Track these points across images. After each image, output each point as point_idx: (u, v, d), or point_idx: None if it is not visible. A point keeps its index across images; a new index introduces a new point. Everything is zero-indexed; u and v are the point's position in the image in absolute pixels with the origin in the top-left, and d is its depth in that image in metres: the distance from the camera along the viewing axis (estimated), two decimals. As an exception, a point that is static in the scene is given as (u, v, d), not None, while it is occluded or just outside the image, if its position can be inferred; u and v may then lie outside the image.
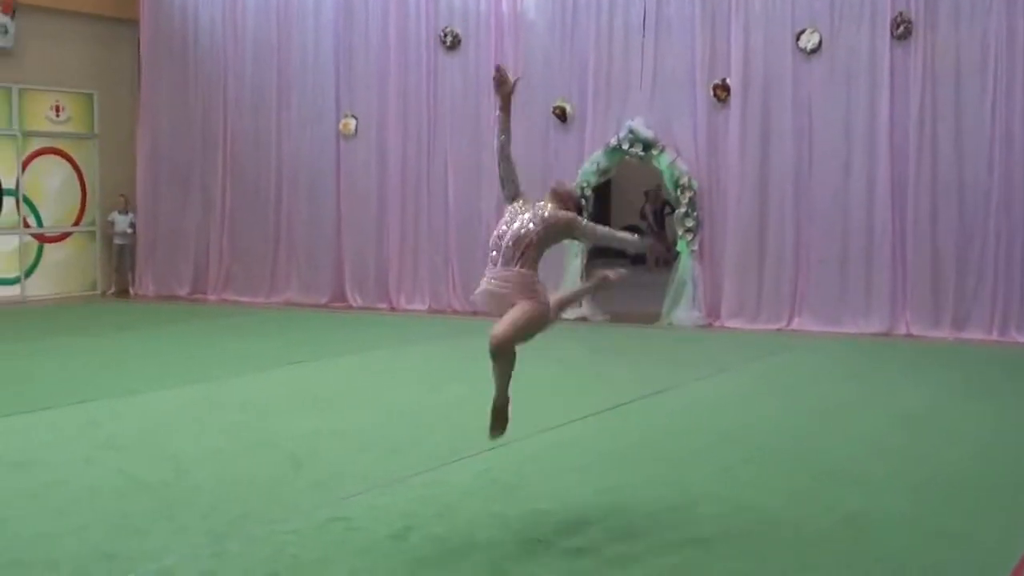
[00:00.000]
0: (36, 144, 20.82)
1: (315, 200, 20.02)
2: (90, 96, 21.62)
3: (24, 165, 20.56)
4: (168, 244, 21.44)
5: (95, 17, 21.40)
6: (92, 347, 15.17)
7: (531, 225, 7.21)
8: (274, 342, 15.63)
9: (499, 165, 7.53)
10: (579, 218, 7.47)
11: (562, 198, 7.47)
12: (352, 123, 19.57)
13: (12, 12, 19.82)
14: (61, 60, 21.01)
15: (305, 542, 6.71)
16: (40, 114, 20.87)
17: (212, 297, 20.78)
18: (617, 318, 17.31)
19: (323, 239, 19.95)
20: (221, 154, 20.83)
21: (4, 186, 20.24)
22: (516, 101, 17.88)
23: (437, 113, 18.94)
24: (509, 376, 7.24)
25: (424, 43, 19.04)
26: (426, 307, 18.93)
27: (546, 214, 7.27)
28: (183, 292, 21.18)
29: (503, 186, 7.54)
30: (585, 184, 17.35)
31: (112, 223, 21.56)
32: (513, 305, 7.10)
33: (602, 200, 19.15)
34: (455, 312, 18.40)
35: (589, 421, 10.26)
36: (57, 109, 21.14)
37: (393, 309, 19.09)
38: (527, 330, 7.13)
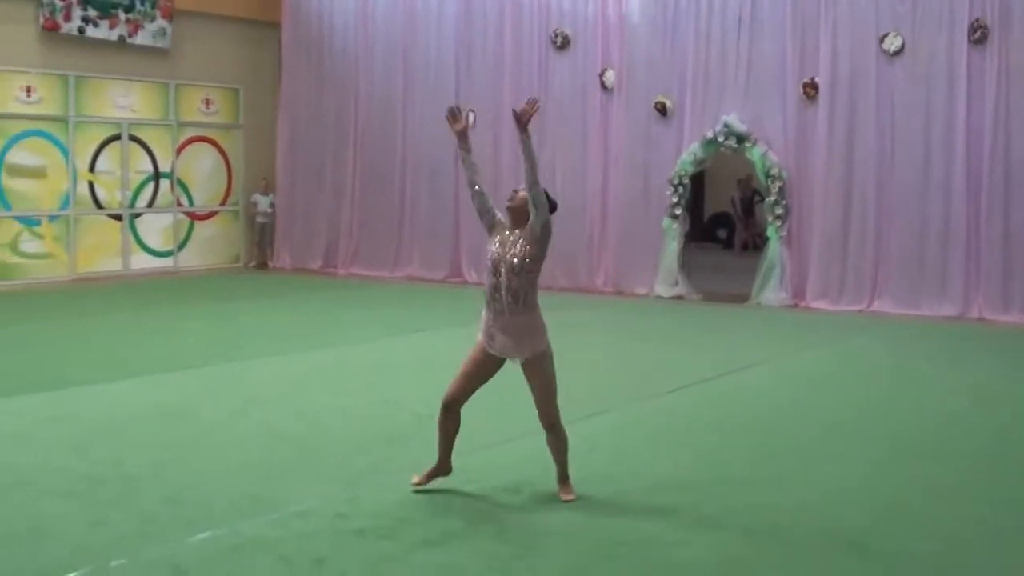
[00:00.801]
0: (189, 133, 21.15)
1: (435, 185, 20.11)
2: (236, 91, 21.91)
3: (178, 151, 20.91)
4: (303, 223, 21.70)
5: (242, 20, 21.67)
6: (237, 313, 15.43)
7: (520, 256, 6.63)
8: (397, 312, 15.75)
9: (473, 200, 6.85)
10: (535, 218, 6.65)
11: (518, 211, 6.73)
12: (470, 116, 19.60)
13: (170, 17, 20.17)
14: (212, 59, 21.31)
15: (427, 492, 6.78)
16: (193, 107, 21.21)
17: (341, 271, 20.98)
18: (709, 297, 17.17)
19: (442, 220, 20.03)
20: (351, 143, 21.01)
21: (161, 170, 20.65)
22: (618, 97, 18.10)
23: (547, 107, 18.88)
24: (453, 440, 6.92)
25: (536, 43, 19.01)
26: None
27: (522, 241, 6.65)
28: (316, 266, 21.41)
29: (481, 218, 6.86)
30: (683, 173, 17.26)
31: (254, 203, 21.86)
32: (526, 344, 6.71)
33: (696, 188, 18.98)
34: (559, 288, 18.37)
35: (684, 392, 10.20)
36: (207, 102, 21.45)
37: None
38: (554, 384, 6.85)
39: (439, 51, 20.01)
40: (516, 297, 6.67)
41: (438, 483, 6.90)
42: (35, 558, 5.58)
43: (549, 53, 18.88)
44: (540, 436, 8.28)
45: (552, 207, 6.74)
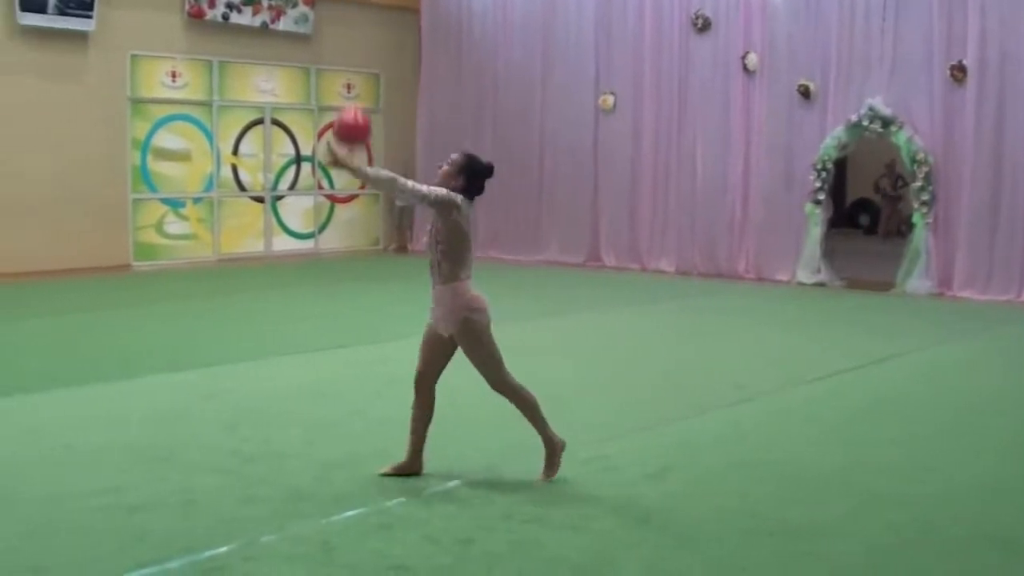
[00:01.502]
0: (330, 117, 21.46)
1: (574, 169, 20.07)
2: (376, 76, 22.17)
3: (319, 135, 21.25)
4: (442, 207, 21.81)
5: (382, 6, 21.91)
6: (377, 295, 15.63)
7: (430, 231, 6.55)
8: (536, 295, 15.76)
9: (407, 199, 6.52)
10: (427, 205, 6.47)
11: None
12: (611, 99, 19.52)
13: (312, 3, 20.47)
14: (352, 44, 21.60)
15: (570, 476, 6.76)
16: (334, 91, 21.51)
17: (480, 254, 21.01)
18: (852, 285, 16.85)
19: (581, 204, 19.98)
20: (490, 127, 21.09)
21: (303, 153, 21.00)
22: (760, 80, 17.79)
23: (688, 90, 18.72)
24: (426, 423, 6.74)
25: (677, 25, 18.81)
26: (673, 268, 18.81)
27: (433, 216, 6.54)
28: (454, 249, 21.53)
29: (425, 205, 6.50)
30: (827, 158, 16.93)
31: (393, 187, 22.10)
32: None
33: (838, 173, 18.61)
34: (700, 273, 18.25)
35: (828, 381, 9.99)
36: (348, 87, 21.74)
37: (643, 269, 19.03)
38: (491, 356, 6.67)
39: (578, 33, 19.94)
40: (436, 269, 6.54)
41: (578, 468, 6.88)
42: (187, 531, 5.71)
43: (689, 35, 18.66)
44: (687, 422, 8.27)
45: (482, 172, 6.60)
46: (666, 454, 7.35)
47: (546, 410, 8.37)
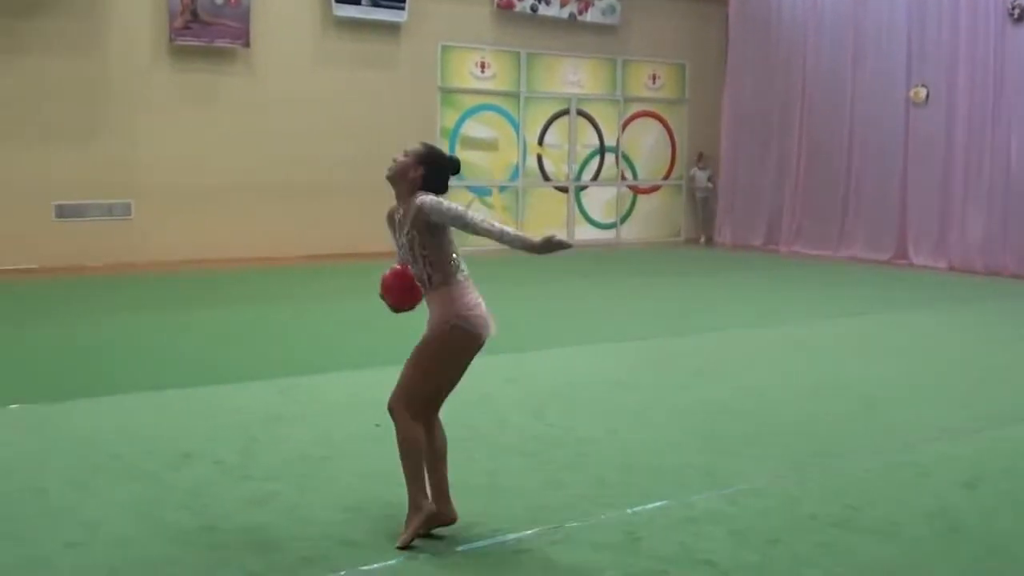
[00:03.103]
0: (634, 108, 21.55)
1: (883, 162, 19.44)
2: (682, 66, 22.08)
3: (624, 126, 21.36)
4: (746, 198, 21.60)
5: (690, -5, 21.88)
6: (679, 287, 15.60)
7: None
8: (841, 293, 15.35)
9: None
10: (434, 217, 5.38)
11: (394, 181, 5.61)
12: (923, 92, 18.78)
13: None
14: (659, 35, 21.59)
15: (877, 481, 6.54)
16: (639, 82, 21.57)
17: (783, 248, 20.73)
18: None
19: (888, 200, 19.33)
20: (797, 117, 20.67)
21: (607, 144, 21.16)
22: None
23: (1004, 82, 17.80)
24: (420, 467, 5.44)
25: (992, 15, 17.89)
26: (982, 267, 17.92)
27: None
28: (757, 243, 21.27)
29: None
30: None
31: (692, 178, 22.02)
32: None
33: None
34: (1011, 274, 17.32)
35: None
36: (654, 78, 21.75)
37: (951, 267, 18.23)
38: (427, 375, 5.41)
39: (890, 23, 19.27)
40: (426, 281, 5.48)
41: (890, 473, 6.65)
42: (493, 513, 5.82)
43: (1005, 26, 17.73)
44: (1003, 430, 7.86)
45: (445, 167, 5.58)
46: (980, 461, 7.00)
47: (856, 410, 8.12)
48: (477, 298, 5.49)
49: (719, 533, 5.57)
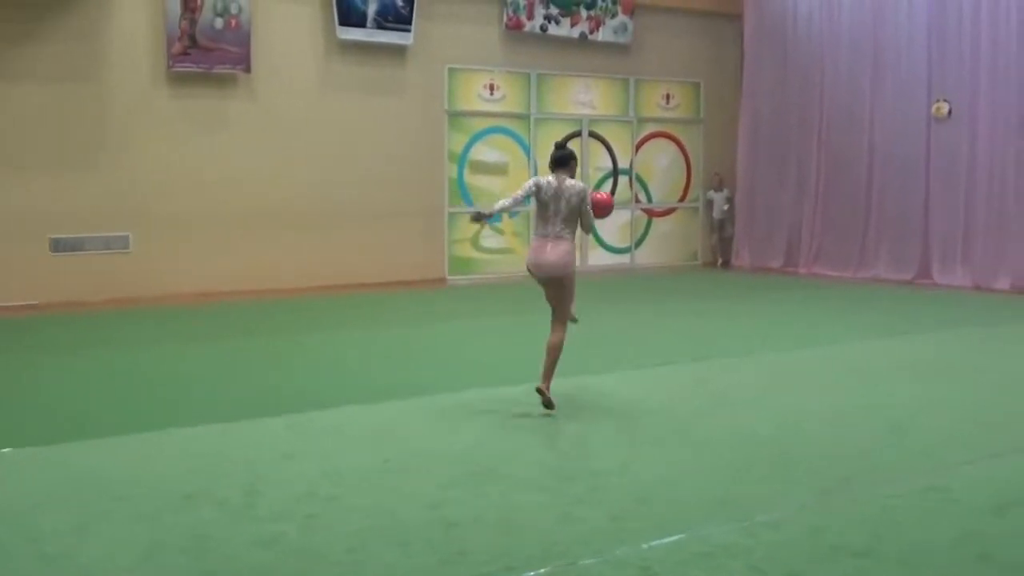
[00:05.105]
0: (648, 128, 21.57)
1: (904, 180, 19.41)
2: (697, 85, 22.11)
3: (637, 147, 21.38)
4: (764, 219, 21.58)
5: (702, 14, 21.86)
6: (698, 311, 15.55)
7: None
8: (864, 314, 15.29)
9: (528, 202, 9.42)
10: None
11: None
12: (944, 107, 18.77)
13: (631, 12, 20.62)
14: (672, 54, 21.64)
15: (906, 507, 6.49)
16: (652, 102, 21.60)
17: (803, 270, 20.70)
18: None
19: (911, 219, 19.30)
20: (815, 136, 20.68)
21: (620, 166, 21.17)
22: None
23: (1024, 100, 17.86)
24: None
25: (1014, 30, 17.87)
26: (1008, 285, 17.85)
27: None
28: (776, 265, 21.25)
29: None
30: None
31: (710, 200, 22.02)
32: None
33: None
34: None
35: None
36: (667, 97, 21.78)
37: (978, 288, 18.16)
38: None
39: (910, 39, 19.28)
40: (563, 230, 9.14)
41: (916, 498, 6.61)
42: (506, 550, 5.78)
43: (1029, 39, 17.77)
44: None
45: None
46: (1010, 486, 6.96)
47: (885, 434, 8.09)
48: (533, 245, 9.24)
49: (737, 567, 5.52)
